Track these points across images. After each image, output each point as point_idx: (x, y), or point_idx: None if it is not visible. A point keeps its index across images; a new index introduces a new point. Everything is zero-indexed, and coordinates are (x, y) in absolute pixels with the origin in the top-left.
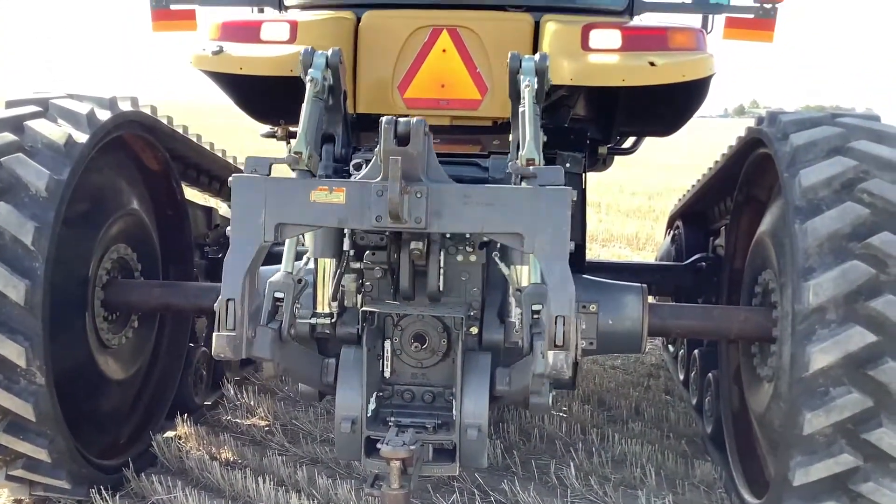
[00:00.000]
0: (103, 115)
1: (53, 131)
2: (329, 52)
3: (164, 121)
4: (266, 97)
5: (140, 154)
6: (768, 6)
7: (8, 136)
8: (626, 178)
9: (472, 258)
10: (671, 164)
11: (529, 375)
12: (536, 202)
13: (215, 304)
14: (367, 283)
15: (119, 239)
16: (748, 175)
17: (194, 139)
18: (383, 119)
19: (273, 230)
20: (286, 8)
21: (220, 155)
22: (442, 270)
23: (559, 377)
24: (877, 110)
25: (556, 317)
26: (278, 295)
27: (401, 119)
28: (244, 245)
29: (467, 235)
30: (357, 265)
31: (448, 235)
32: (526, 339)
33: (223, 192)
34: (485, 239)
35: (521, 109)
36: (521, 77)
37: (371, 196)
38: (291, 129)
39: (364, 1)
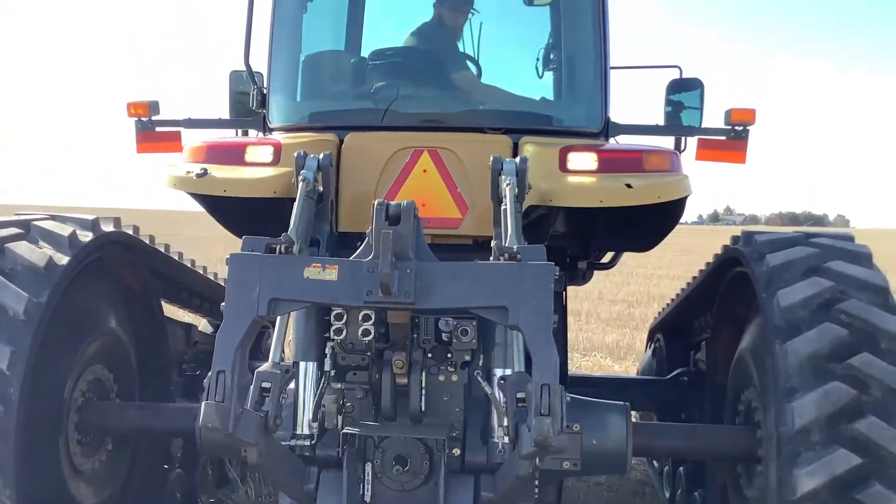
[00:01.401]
0: (85, 236)
1: (34, 253)
2: (321, 156)
3: (146, 240)
4: (250, 217)
5: (121, 273)
6: (740, 128)
7: None
8: (606, 286)
9: (454, 378)
10: (649, 272)
11: (514, 475)
12: (521, 276)
13: (205, 380)
14: (348, 404)
15: (96, 360)
16: (726, 292)
17: (175, 257)
18: (375, 201)
19: (267, 305)
20: (270, 130)
21: (200, 272)
22: (423, 391)
23: (544, 445)
24: (848, 215)
25: (542, 385)
26: (265, 385)
27: (391, 202)
28: (237, 319)
29: (448, 355)
30: (338, 385)
31: (430, 355)
32: (511, 428)
33: (203, 308)
34: (466, 359)
35: (502, 208)
36: (503, 178)
37: (363, 273)
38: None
39: (347, 123)
